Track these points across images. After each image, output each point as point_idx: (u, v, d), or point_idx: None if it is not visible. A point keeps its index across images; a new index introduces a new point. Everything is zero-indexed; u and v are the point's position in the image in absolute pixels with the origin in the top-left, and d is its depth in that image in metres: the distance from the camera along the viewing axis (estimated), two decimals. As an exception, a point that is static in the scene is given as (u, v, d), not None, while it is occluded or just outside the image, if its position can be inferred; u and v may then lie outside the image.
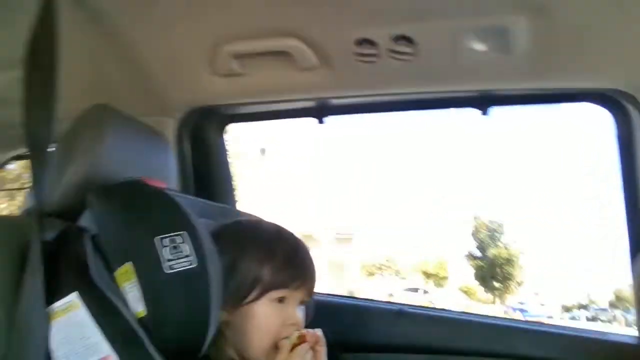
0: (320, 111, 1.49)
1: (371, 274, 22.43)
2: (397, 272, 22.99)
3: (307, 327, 1.22)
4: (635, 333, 1.30)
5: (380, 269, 22.68)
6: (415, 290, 20.38)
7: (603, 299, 23.98)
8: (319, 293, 1.59)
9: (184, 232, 0.74)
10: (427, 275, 23.54)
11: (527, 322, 2.38)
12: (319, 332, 0.90)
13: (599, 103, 1.28)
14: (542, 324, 1.47)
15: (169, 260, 0.71)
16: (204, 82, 1.38)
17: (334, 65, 1.24)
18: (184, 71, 1.38)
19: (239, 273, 0.87)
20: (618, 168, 1.29)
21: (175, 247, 0.72)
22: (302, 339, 0.86)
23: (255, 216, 1.12)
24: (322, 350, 0.89)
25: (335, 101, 1.47)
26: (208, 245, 0.77)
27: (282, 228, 0.98)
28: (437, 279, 23.50)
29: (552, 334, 1.41)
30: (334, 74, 1.27)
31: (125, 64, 1.35)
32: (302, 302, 0.94)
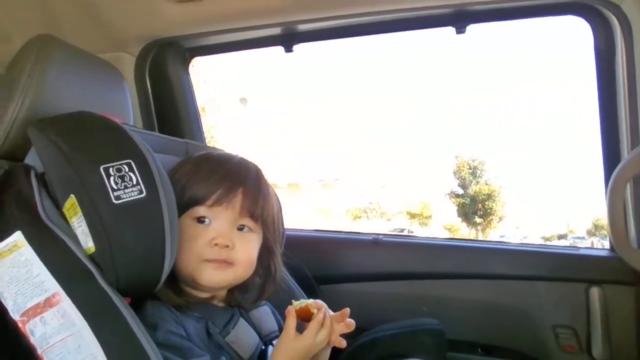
0: (288, 38, 1.41)
1: (357, 217, 22.81)
2: (382, 214, 23.40)
3: (283, 263, 1.21)
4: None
5: (365, 212, 23.05)
6: (401, 230, 20.88)
7: (581, 228, 24.94)
8: (294, 229, 1.59)
9: (131, 160, 0.68)
10: (412, 215, 24.05)
11: (500, 242, 2.44)
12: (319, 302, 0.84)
13: (578, 14, 1.22)
14: (515, 244, 1.49)
15: (116, 190, 0.66)
16: (159, 11, 1.28)
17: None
18: (137, 0, 1.27)
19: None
20: (596, 83, 1.25)
21: (121, 177, 0.67)
22: (306, 312, 0.81)
23: (225, 151, 1.06)
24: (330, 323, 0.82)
25: (303, 27, 1.38)
26: (159, 174, 0.71)
27: (233, 154, 0.92)
28: (422, 218, 24.03)
29: (525, 252, 1.43)
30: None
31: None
32: (241, 225, 0.85)
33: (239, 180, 0.85)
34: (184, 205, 0.81)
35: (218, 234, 0.81)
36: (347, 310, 0.85)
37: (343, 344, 0.84)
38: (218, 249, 0.81)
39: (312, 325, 0.80)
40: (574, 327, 1.32)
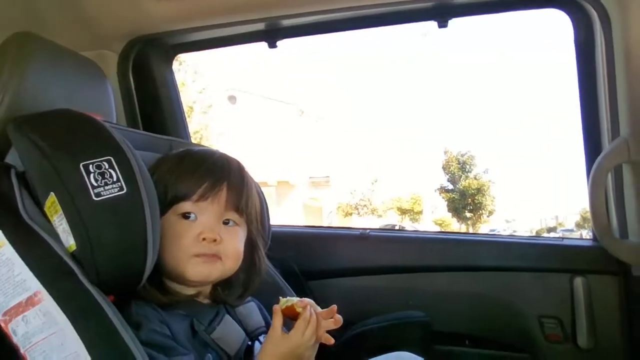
0: (271, 34, 1.41)
1: (348, 213, 22.84)
2: (373, 211, 23.45)
3: (271, 258, 1.21)
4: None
5: (356, 208, 23.08)
6: (392, 227, 20.95)
7: (570, 221, 25.21)
8: (282, 225, 1.59)
9: (111, 157, 0.68)
10: (402, 211, 24.14)
11: (486, 234, 2.46)
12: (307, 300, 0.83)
13: (558, 7, 1.23)
14: (500, 235, 1.51)
15: (96, 187, 0.65)
16: (142, 7, 1.27)
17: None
18: (118, -4, 1.26)
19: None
20: (576, 76, 1.27)
21: (102, 174, 0.66)
22: (292, 310, 0.80)
23: (205, 147, 1.05)
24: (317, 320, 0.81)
25: (286, 22, 1.38)
26: (140, 170, 0.71)
27: (215, 150, 0.91)
28: (412, 214, 24.14)
29: (510, 243, 1.45)
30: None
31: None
32: (227, 219, 0.85)
33: (223, 174, 0.85)
34: (169, 202, 0.81)
35: (205, 229, 0.81)
36: (335, 307, 0.85)
37: (330, 341, 0.83)
38: (206, 244, 0.81)
39: (299, 324, 0.79)
40: (559, 317, 1.34)
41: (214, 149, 0.92)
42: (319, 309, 0.84)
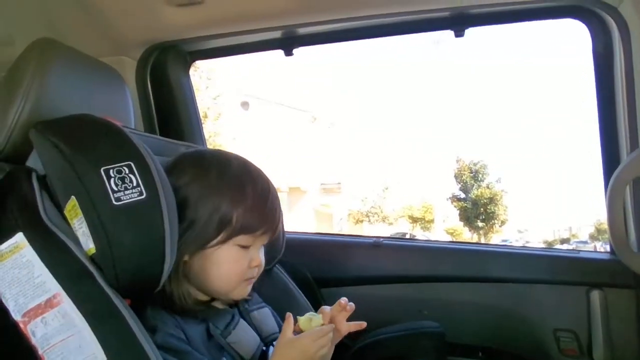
0: (287, 42, 1.42)
1: (359, 221, 22.77)
2: (384, 219, 23.36)
3: (284, 265, 1.21)
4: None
5: (367, 216, 23.00)
6: (403, 235, 20.83)
7: (584, 232, 24.85)
8: (296, 232, 1.60)
9: (131, 162, 0.68)
10: (414, 219, 24.01)
11: (500, 245, 2.44)
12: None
13: (576, 17, 1.22)
14: (515, 247, 1.49)
15: (116, 191, 0.66)
16: (160, 15, 1.29)
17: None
18: (138, 4, 1.28)
19: (204, 211, 0.80)
20: (595, 86, 1.26)
21: (122, 178, 0.67)
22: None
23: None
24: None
25: (303, 30, 1.39)
26: (159, 176, 0.71)
27: (248, 162, 0.90)
28: (424, 222, 23.99)
29: (526, 255, 1.44)
30: (300, -1, 1.19)
31: (77, 3, 1.26)
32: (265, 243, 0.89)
33: (279, 208, 0.88)
34: (235, 232, 0.81)
35: (255, 256, 0.86)
36: (345, 301, 0.90)
37: (363, 325, 0.90)
38: (256, 270, 0.86)
39: (314, 331, 0.81)
40: (574, 330, 1.32)
41: (251, 163, 0.90)
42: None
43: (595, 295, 1.29)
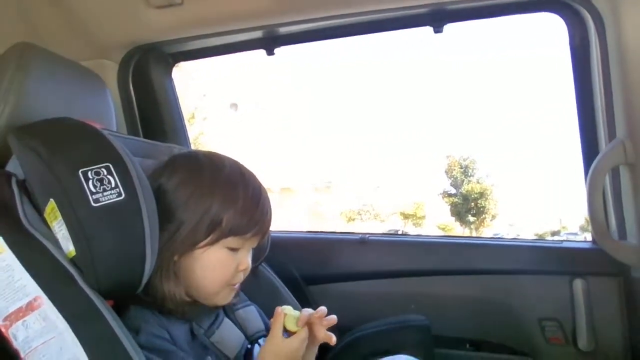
0: (269, 41, 1.42)
1: (351, 219, 22.82)
2: (376, 216, 23.43)
3: (271, 264, 1.22)
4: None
5: (359, 214, 23.06)
6: (395, 231, 20.89)
7: (574, 224, 25.10)
8: (282, 230, 1.60)
9: (109, 163, 0.69)
10: (405, 216, 24.11)
11: (483, 237, 2.46)
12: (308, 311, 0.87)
13: (552, 10, 1.24)
14: (499, 238, 1.51)
15: (94, 193, 0.66)
16: (140, 17, 1.29)
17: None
18: (118, 6, 1.28)
19: (195, 212, 0.80)
20: (572, 78, 1.28)
21: (100, 180, 0.67)
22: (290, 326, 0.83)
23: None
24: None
25: (283, 30, 1.39)
26: (138, 177, 0.71)
27: (242, 166, 0.89)
28: (415, 218, 24.11)
29: (509, 246, 1.45)
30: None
31: (55, 7, 1.25)
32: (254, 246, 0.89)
33: (270, 212, 0.87)
34: (225, 234, 0.80)
35: (243, 260, 0.84)
36: (323, 312, 0.87)
37: (332, 339, 0.86)
38: (242, 274, 0.85)
39: (299, 334, 0.82)
40: (559, 319, 1.34)
41: (250, 171, 0.90)
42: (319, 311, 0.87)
43: (578, 283, 1.31)
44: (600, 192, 1.18)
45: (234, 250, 0.83)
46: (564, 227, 26.03)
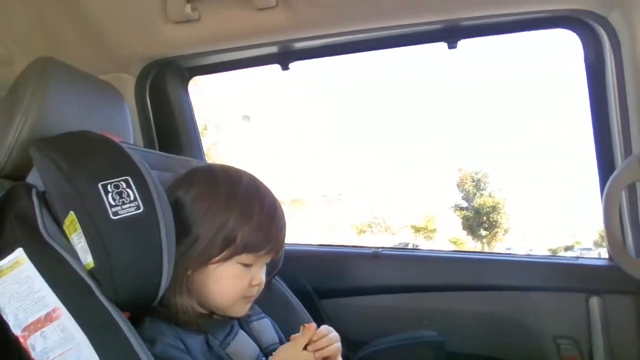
0: (284, 56, 1.44)
1: (362, 231, 22.73)
2: (387, 229, 23.30)
3: (283, 277, 1.22)
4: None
5: (370, 226, 22.97)
6: (406, 245, 20.75)
7: (588, 239, 24.72)
8: (295, 243, 1.60)
9: (128, 177, 0.70)
10: (417, 229, 23.94)
11: (498, 253, 2.44)
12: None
13: (567, 27, 1.24)
14: (514, 254, 1.50)
15: (114, 206, 0.67)
16: (158, 32, 1.31)
17: (293, 3, 1.18)
18: (136, 22, 1.31)
19: (211, 227, 0.80)
20: (588, 94, 1.27)
21: (119, 193, 0.68)
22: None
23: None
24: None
25: (298, 45, 1.41)
26: (156, 190, 0.72)
27: (259, 181, 0.90)
28: (426, 232, 23.92)
29: (524, 262, 1.44)
30: (294, 14, 1.21)
31: (75, 22, 1.29)
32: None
33: (285, 226, 0.88)
34: (239, 251, 0.81)
35: (257, 275, 0.85)
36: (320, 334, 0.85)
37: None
38: (256, 289, 0.86)
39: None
40: (575, 337, 1.32)
41: (266, 187, 0.90)
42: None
43: (595, 301, 1.29)
44: (616, 208, 1.17)
45: (247, 265, 0.83)
46: (577, 242, 25.65)
